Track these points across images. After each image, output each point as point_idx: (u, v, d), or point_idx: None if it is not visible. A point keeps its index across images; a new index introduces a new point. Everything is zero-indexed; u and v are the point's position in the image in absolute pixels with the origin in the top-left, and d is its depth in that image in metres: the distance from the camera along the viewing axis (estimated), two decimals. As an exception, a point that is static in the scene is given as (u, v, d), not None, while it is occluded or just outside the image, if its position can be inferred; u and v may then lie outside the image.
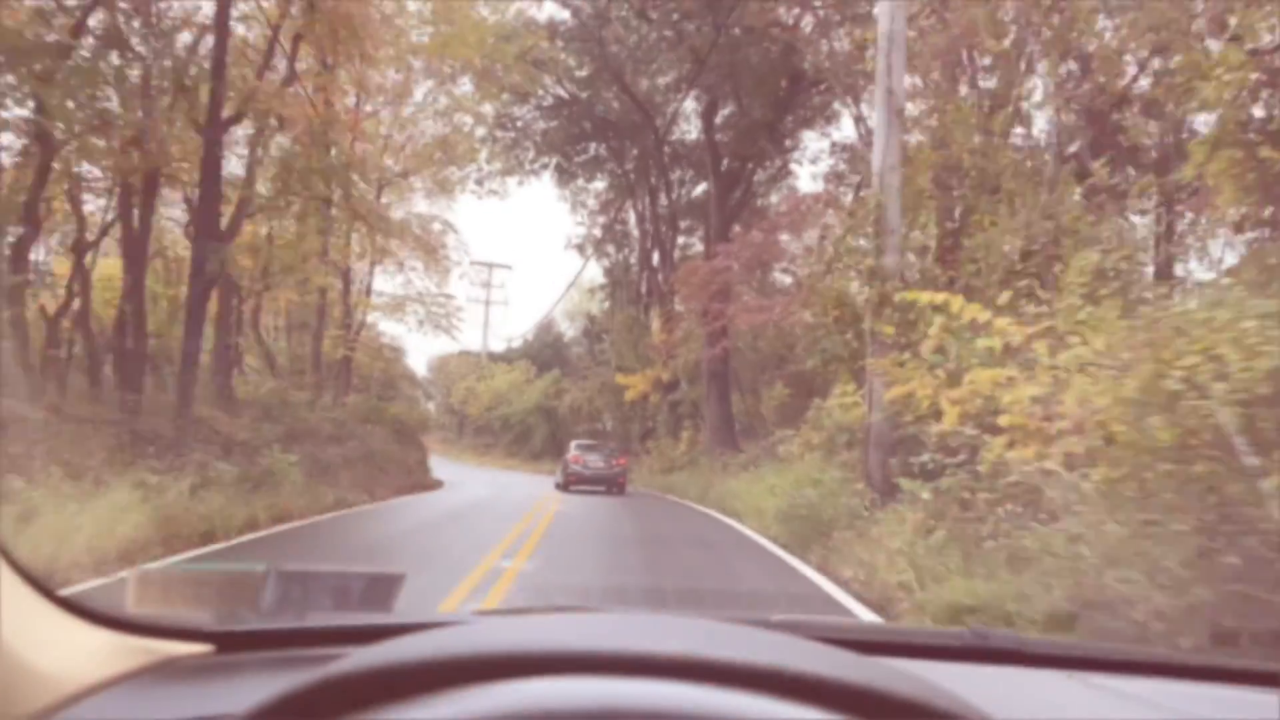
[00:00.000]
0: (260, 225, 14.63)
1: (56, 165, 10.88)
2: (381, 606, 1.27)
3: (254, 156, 12.46)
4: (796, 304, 20.49)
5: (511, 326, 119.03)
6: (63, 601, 1.00)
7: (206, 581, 1.25)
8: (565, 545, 9.94)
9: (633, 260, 40.13)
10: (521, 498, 18.50)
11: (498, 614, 1.86)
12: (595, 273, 44.15)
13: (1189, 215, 13.02)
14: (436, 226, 27.46)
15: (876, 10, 10.64)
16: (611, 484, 21.58)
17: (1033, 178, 10.26)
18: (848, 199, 22.78)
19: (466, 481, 25.61)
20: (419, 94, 23.48)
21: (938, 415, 8.57)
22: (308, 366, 19.97)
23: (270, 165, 12.71)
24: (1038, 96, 12.53)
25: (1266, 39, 7.89)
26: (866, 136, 20.37)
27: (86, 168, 12.33)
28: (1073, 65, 12.63)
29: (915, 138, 12.10)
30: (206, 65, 11.32)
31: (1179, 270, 12.98)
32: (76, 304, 12.46)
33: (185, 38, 11.47)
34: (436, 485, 22.51)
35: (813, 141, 38.48)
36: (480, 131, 30.12)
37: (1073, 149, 12.45)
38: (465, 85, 24.85)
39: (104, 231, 12.72)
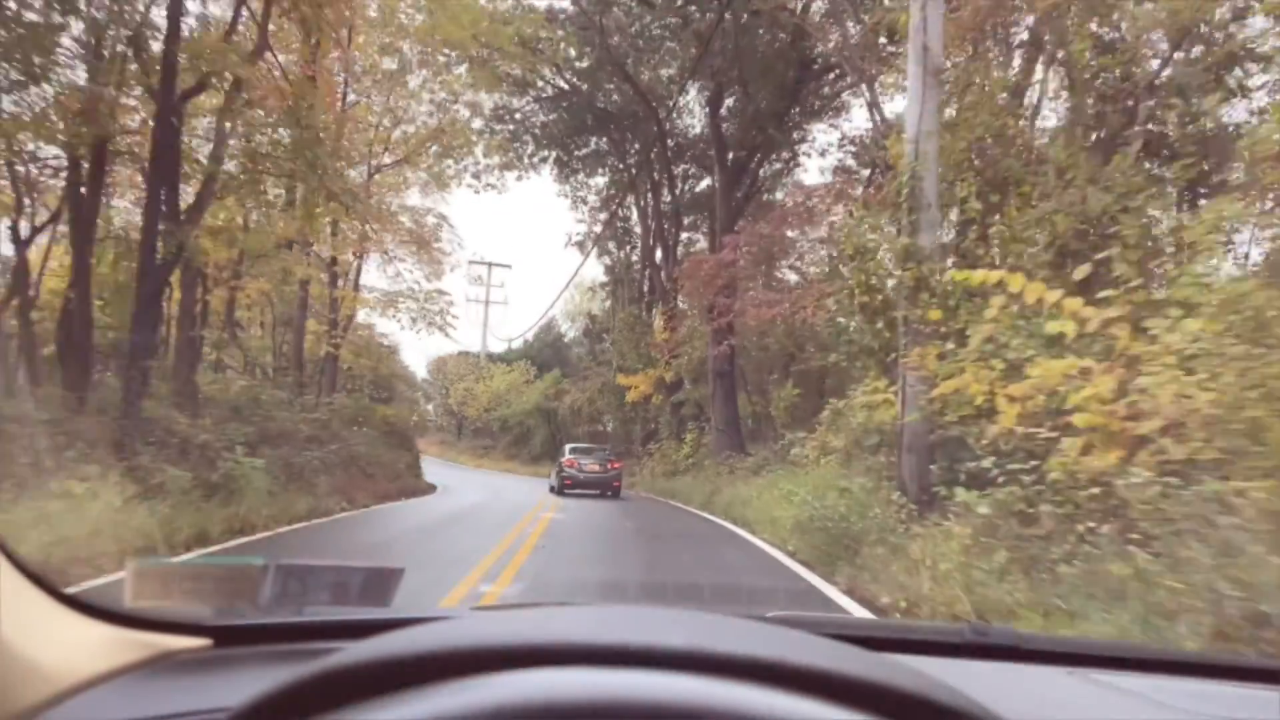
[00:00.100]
0: (234, 211, 13.50)
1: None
2: (380, 601, 1.25)
3: (221, 132, 11.33)
4: (809, 300, 19.38)
5: (511, 327, 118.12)
6: (61, 596, 1.01)
7: (204, 575, 1.18)
8: (557, 564, 8.80)
9: (635, 258, 39.17)
10: (515, 504, 17.36)
11: (497, 608, 1.85)
12: (597, 272, 43.21)
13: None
14: (431, 220, 26.47)
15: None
16: (606, 487, 21.55)
17: (1082, 148, 9.12)
18: (856, 194, 21.66)
19: (460, 486, 24.53)
20: (413, 83, 22.36)
21: (988, 414, 7.44)
22: (292, 364, 18.80)
23: (239, 141, 11.55)
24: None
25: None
26: (882, 126, 19.32)
27: (42, 149, 11.25)
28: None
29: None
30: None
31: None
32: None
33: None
34: (428, 490, 21.39)
35: (820, 134, 37.66)
36: (477, 123, 29.12)
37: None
38: (463, 76, 23.70)
39: (55, 216, 11.60)
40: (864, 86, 21.02)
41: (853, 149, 26.21)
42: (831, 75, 26.28)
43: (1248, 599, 3.74)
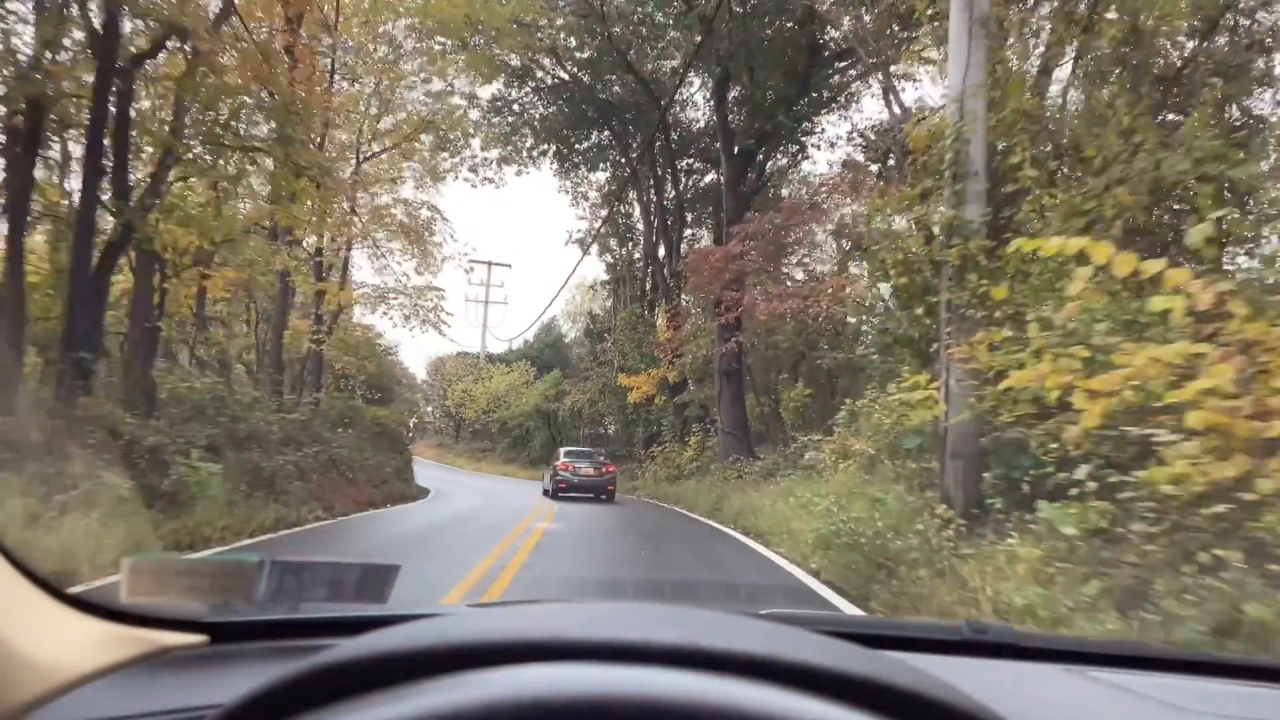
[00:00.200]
0: (201, 192, 12.37)
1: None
2: (376, 598, 1.24)
3: (181, 103, 10.23)
4: (824, 292, 18.25)
5: (511, 326, 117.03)
6: (58, 592, 1.01)
7: (201, 572, 1.17)
8: (550, 583, 7.67)
9: (637, 255, 38.14)
10: (509, 511, 16.21)
11: (493, 605, 1.84)
12: (598, 270, 42.23)
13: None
14: (425, 213, 25.39)
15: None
16: (601, 491, 21.46)
17: (1147, 111, 7.98)
18: (868, 186, 20.52)
19: (454, 491, 23.41)
20: (406, 66, 21.24)
21: (1054, 413, 6.31)
22: (272, 361, 17.64)
23: (200, 113, 10.41)
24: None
25: None
26: (899, 116, 18.22)
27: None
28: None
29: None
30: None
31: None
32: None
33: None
34: (418, 495, 20.26)
35: (829, 126, 36.52)
36: (474, 115, 28.07)
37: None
38: (459, 61, 22.58)
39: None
40: (879, 73, 20.04)
41: (863, 143, 25.17)
42: (842, 64, 25.24)
43: None
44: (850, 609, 6.82)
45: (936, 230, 7.53)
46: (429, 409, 66.30)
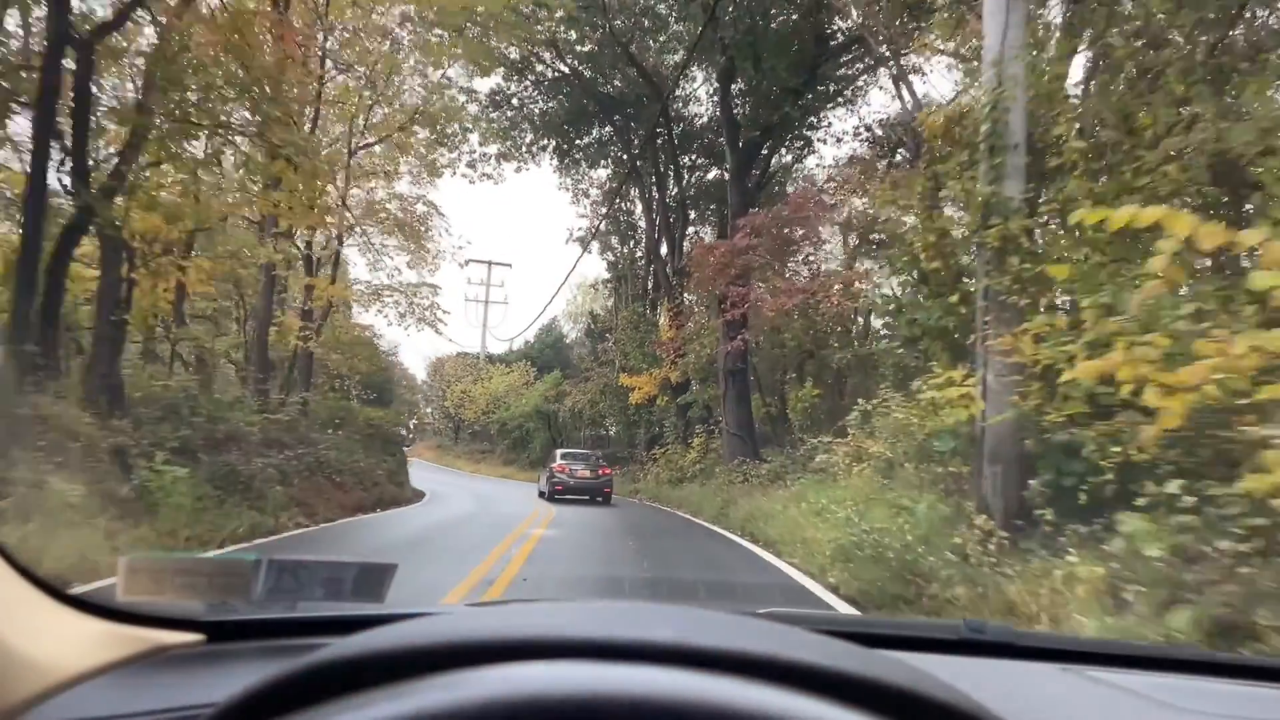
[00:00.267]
0: (175, 172, 11.58)
1: None
2: (373, 596, 1.23)
3: (151, 80, 9.49)
4: (834, 286, 17.51)
5: (512, 327, 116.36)
6: (54, 591, 1.00)
7: (197, 570, 1.15)
8: (547, 587, 6.94)
9: (639, 253, 37.41)
10: (503, 516, 15.45)
11: (490, 604, 1.82)
12: (599, 269, 41.52)
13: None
14: (420, 208, 24.67)
15: None
16: (597, 493, 21.34)
17: (1205, 79, 7.22)
18: (875, 185, 19.77)
19: (449, 494, 22.68)
20: (402, 57, 20.48)
21: (1109, 411, 5.56)
22: (255, 359, 16.88)
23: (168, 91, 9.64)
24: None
25: None
26: (910, 108, 17.49)
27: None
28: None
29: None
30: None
31: None
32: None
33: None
34: (412, 499, 19.52)
35: (836, 121, 35.78)
36: (472, 109, 27.37)
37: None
38: (455, 47, 21.82)
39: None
40: (890, 63, 19.30)
41: (869, 138, 24.44)
42: (850, 55, 24.51)
43: None
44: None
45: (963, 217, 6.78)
46: (429, 410, 65.68)
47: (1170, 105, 7.01)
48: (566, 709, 0.50)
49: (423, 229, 24.05)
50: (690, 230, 32.67)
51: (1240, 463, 4.38)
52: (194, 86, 9.24)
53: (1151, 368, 4.47)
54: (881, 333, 19.54)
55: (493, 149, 30.49)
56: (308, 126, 13.26)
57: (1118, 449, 5.23)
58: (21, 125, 10.42)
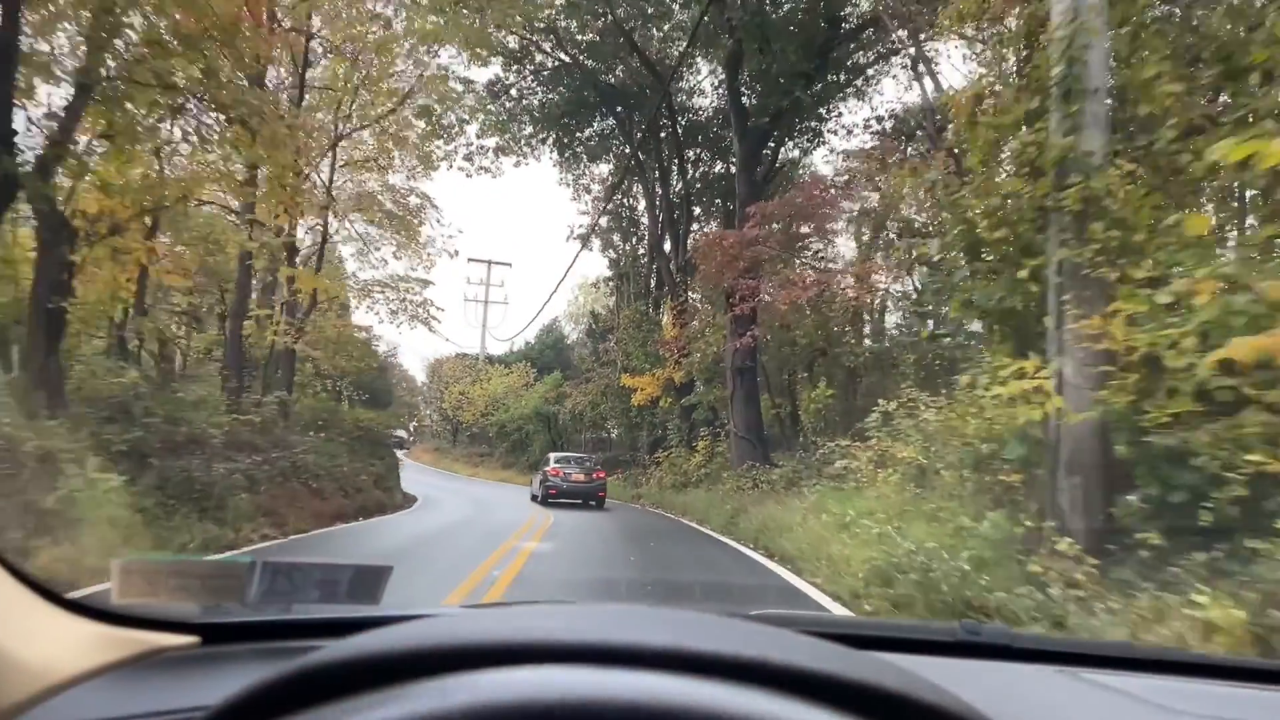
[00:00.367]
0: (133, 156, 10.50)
1: None
2: (368, 599, 1.22)
3: (96, 39, 8.39)
4: (852, 275, 16.39)
5: (512, 327, 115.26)
6: (48, 593, 0.99)
7: (192, 573, 1.13)
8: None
9: (641, 251, 36.30)
10: (497, 525, 14.32)
11: (486, 607, 1.80)
12: (600, 268, 40.44)
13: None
14: (414, 201, 23.58)
15: None
16: (590, 497, 21.13)
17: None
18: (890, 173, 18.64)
19: (443, 499, 21.56)
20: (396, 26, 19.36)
21: (1229, 409, 4.43)
22: (229, 355, 15.76)
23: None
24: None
25: None
26: (931, 96, 16.38)
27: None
28: None
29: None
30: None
31: None
32: None
33: None
34: (403, 505, 18.40)
35: (846, 114, 34.64)
36: (469, 100, 26.28)
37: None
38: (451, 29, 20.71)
39: None
40: (910, 46, 18.21)
41: (880, 129, 23.34)
42: (864, 39, 23.40)
43: None
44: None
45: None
46: (428, 412, 64.66)
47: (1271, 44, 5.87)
48: (557, 715, 0.50)
49: (416, 221, 22.96)
50: (695, 227, 31.59)
51: None
52: (135, 40, 8.15)
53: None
54: (896, 329, 18.37)
55: (491, 141, 29.49)
56: (285, 105, 12.13)
57: (1255, 457, 4.09)
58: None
